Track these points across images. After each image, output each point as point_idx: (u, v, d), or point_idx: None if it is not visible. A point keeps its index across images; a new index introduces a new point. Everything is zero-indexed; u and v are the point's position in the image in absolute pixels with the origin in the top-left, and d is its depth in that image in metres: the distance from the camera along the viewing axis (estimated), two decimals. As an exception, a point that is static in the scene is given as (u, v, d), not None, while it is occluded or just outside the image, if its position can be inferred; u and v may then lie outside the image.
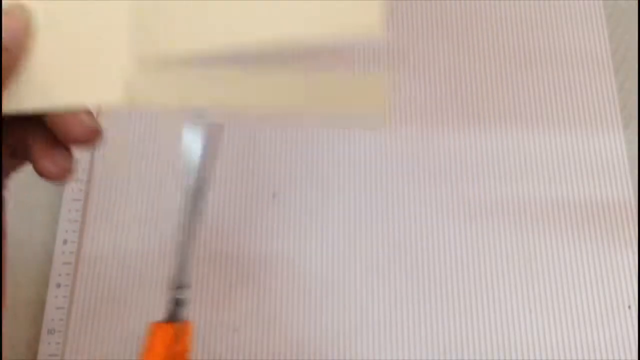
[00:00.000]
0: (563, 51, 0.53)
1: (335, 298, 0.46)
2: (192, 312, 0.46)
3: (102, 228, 0.49)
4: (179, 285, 0.29)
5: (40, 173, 0.28)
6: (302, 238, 0.48)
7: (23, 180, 0.32)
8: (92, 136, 0.27)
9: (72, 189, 0.50)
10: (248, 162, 0.50)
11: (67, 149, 0.29)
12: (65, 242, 0.48)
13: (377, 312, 0.46)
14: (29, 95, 0.27)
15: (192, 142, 0.29)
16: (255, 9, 0.27)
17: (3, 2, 0.27)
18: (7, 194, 0.31)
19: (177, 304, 0.29)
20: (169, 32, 0.28)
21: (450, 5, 0.55)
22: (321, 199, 0.49)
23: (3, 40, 0.26)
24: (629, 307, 0.45)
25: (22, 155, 0.29)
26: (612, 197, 0.48)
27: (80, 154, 0.50)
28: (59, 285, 0.47)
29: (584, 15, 0.54)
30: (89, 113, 0.27)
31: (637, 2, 0.54)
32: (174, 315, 0.29)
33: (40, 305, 0.46)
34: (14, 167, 0.31)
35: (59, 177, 0.28)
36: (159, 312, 0.46)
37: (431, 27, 0.54)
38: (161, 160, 0.51)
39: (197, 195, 0.28)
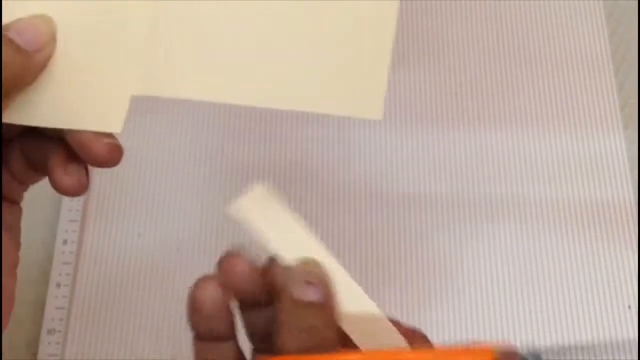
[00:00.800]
0: (563, 51, 0.53)
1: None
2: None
3: (102, 228, 0.49)
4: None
5: (57, 187, 0.28)
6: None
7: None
8: (113, 155, 0.28)
9: (72, 189, 0.50)
10: (248, 161, 0.50)
11: (83, 163, 0.29)
12: (65, 242, 0.48)
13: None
14: (39, 110, 0.28)
15: None
16: (261, 73, 0.28)
17: (26, 11, 0.28)
18: (22, 204, 0.31)
19: None
20: (176, 77, 0.28)
21: (450, 5, 0.55)
22: (320, 199, 0.49)
23: (21, 42, 0.27)
24: (629, 307, 0.45)
25: (41, 169, 0.30)
26: (612, 197, 0.48)
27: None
28: (59, 285, 0.47)
29: (584, 15, 0.54)
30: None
31: (637, 2, 0.54)
32: None
33: (40, 305, 0.46)
34: (32, 180, 0.31)
35: (75, 190, 0.29)
36: (159, 312, 0.46)
37: (431, 27, 0.54)
38: (161, 161, 0.51)
39: None
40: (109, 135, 0.28)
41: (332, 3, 0.28)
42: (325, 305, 0.25)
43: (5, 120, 0.27)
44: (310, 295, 0.25)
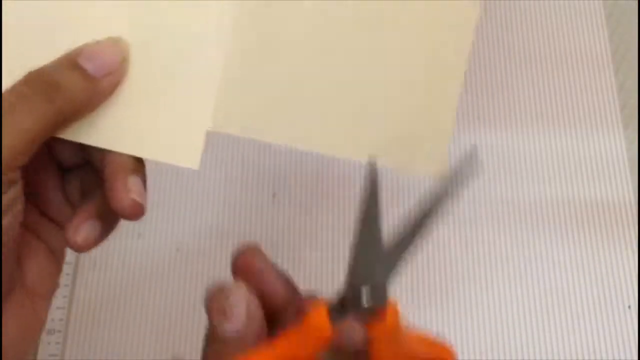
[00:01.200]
0: (563, 51, 0.53)
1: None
2: (193, 308, 0.46)
3: (102, 228, 0.49)
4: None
5: (67, 239, 0.28)
6: (302, 238, 0.48)
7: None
8: (133, 211, 0.27)
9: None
10: (248, 162, 0.50)
11: (104, 223, 0.29)
12: (65, 242, 0.48)
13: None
14: (104, 132, 0.27)
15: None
16: (331, 124, 0.28)
17: (98, 34, 0.27)
18: None
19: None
20: (247, 115, 0.28)
21: (450, 5, 0.55)
22: (321, 199, 0.49)
23: (90, 68, 0.26)
24: (629, 307, 0.45)
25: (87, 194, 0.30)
26: (612, 197, 0.48)
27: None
28: (59, 286, 0.47)
29: (584, 15, 0.54)
30: (138, 185, 0.28)
31: (637, 2, 0.54)
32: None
33: (40, 305, 0.46)
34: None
35: (79, 248, 0.29)
36: (159, 312, 0.46)
37: (431, 27, 0.54)
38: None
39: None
40: (137, 188, 0.27)
41: (403, 70, 0.28)
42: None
43: (68, 137, 0.27)
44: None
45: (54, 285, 0.31)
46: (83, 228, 0.28)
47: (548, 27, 0.54)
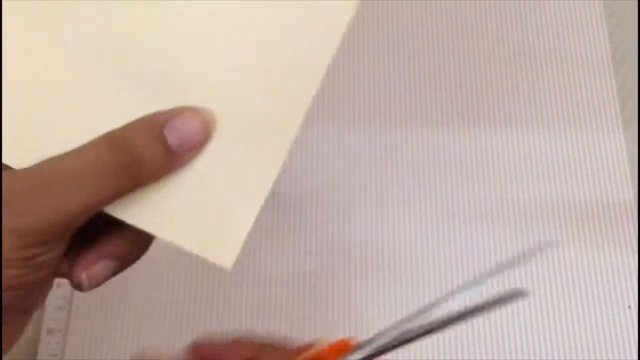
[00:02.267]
0: (563, 51, 0.53)
1: (336, 298, 0.46)
2: (194, 307, 0.46)
3: (102, 228, 0.49)
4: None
5: (71, 278, 0.27)
6: (302, 238, 0.48)
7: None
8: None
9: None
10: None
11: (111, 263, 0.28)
12: (65, 242, 0.48)
13: (377, 312, 0.46)
14: (147, 213, 0.25)
15: None
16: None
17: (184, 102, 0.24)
18: None
19: None
20: None
21: (451, 5, 0.55)
22: (321, 199, 0.49)
23: (174, 142, 0.23)
24: (629, 307, 0.45)
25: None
26: (612, 197, 0.48)
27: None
28: (58, 286, 0.47)
29: (584, 15, 0.54)
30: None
31: (637, 2, 0.54)
32: None
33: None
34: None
35: (82, 288, 0.28)
36: (158, 312, 0.46)
37: (431, 27, 0.54)
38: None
39: None
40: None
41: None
42: None
43: (109, 211, 0.25)
44: None
45: (43, 301, 0.29)
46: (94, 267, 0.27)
47: (548, 28, 0.54)
